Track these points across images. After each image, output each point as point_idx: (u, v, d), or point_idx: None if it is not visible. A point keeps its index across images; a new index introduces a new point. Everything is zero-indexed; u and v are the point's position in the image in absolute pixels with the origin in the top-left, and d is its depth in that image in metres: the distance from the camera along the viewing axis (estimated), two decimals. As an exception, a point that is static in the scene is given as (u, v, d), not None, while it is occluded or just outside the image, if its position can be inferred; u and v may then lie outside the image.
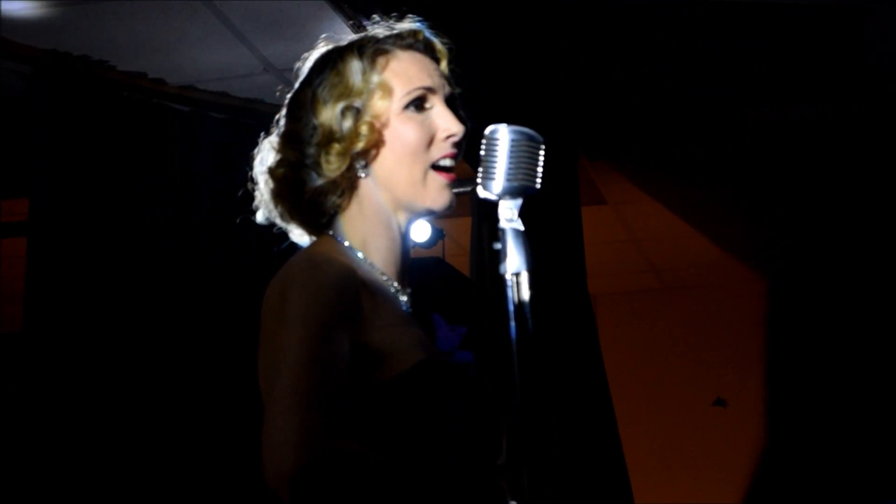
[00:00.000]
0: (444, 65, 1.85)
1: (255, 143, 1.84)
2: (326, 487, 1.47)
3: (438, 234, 5.20)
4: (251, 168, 1.84)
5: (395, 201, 1.78)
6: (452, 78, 1.86)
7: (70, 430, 3.92)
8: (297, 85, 1.83)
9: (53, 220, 4.19)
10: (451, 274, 5.23)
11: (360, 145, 1.75)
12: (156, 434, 4.05)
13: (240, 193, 1.87)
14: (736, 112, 5.41)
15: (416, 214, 1.81)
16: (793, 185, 6.28)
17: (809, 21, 4.47)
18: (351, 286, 1.64)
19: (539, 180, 1.65)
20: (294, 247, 1.83)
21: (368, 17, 1.90)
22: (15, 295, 4.54)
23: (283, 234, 1.87)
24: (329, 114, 1.76)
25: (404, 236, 1.82)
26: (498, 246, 1.61)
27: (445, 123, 1.77)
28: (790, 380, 7.72)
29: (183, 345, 4.21)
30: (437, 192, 1.77)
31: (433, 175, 1.77)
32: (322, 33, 1.88)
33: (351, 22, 3.88)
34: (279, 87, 1.87)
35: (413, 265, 1.87)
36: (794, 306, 7.85)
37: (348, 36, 1.84)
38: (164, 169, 4.38)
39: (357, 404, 1.61)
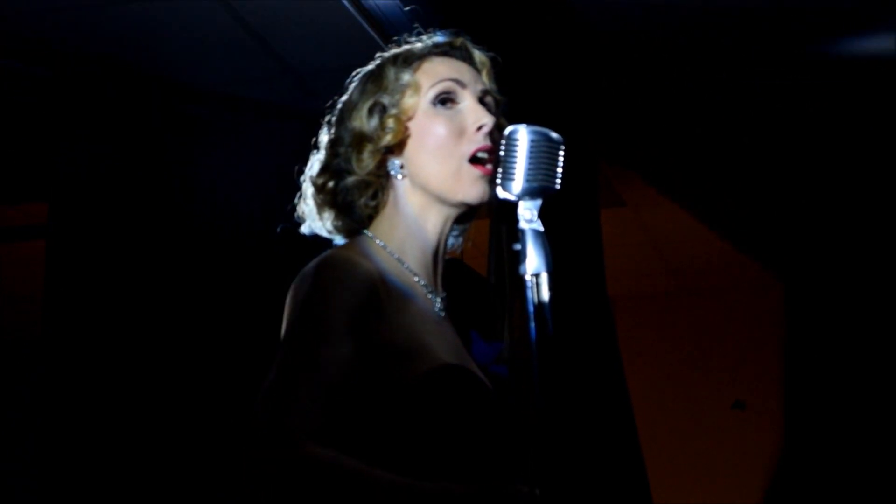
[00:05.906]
0: (485, 74, 1.85)
1: (271, 145, 1.85)
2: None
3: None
4: (274, 172, 1.85)
5: (429, 199, 1.77)
6: (496, 88, 1.85)
7: (89, 436, 3.92)
8: (340, 99, 1.84)
9: (72, 224, 4.20)
10: (469, 276, 5.21)
11: (387, 139, 1.75)
12: (175, 438, 4.05)
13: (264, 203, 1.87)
14: (754, 116, 5.39)
15: (452, 210, 1.79)
16: (811, 188, 6.25)
17: (818, 21, 4.45)
18: (366, 285, 1.62)
19: (559, 181, 1.65)
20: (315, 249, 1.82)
21: (387, 18, 1.90)
22: (33, 299, 4.55)
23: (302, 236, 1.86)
24: (359, 114, 1.77)
25: (441, 239, 1.81)
26: (517, 247, 1.60)
27: (475, 115, 1.76)
28: (808, 382, 7.68)
29: (203, 349, 4.21)
30: (471, 185, 1.75)
31: (468, 168, 1.75)
32: (339, 34, 1.89)
33: (370, 23, 3.87)
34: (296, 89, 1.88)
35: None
36: (812, 309, 7.80)
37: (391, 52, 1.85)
38: (182, 171, 4.37)
39: (376, 402, 1.60)
